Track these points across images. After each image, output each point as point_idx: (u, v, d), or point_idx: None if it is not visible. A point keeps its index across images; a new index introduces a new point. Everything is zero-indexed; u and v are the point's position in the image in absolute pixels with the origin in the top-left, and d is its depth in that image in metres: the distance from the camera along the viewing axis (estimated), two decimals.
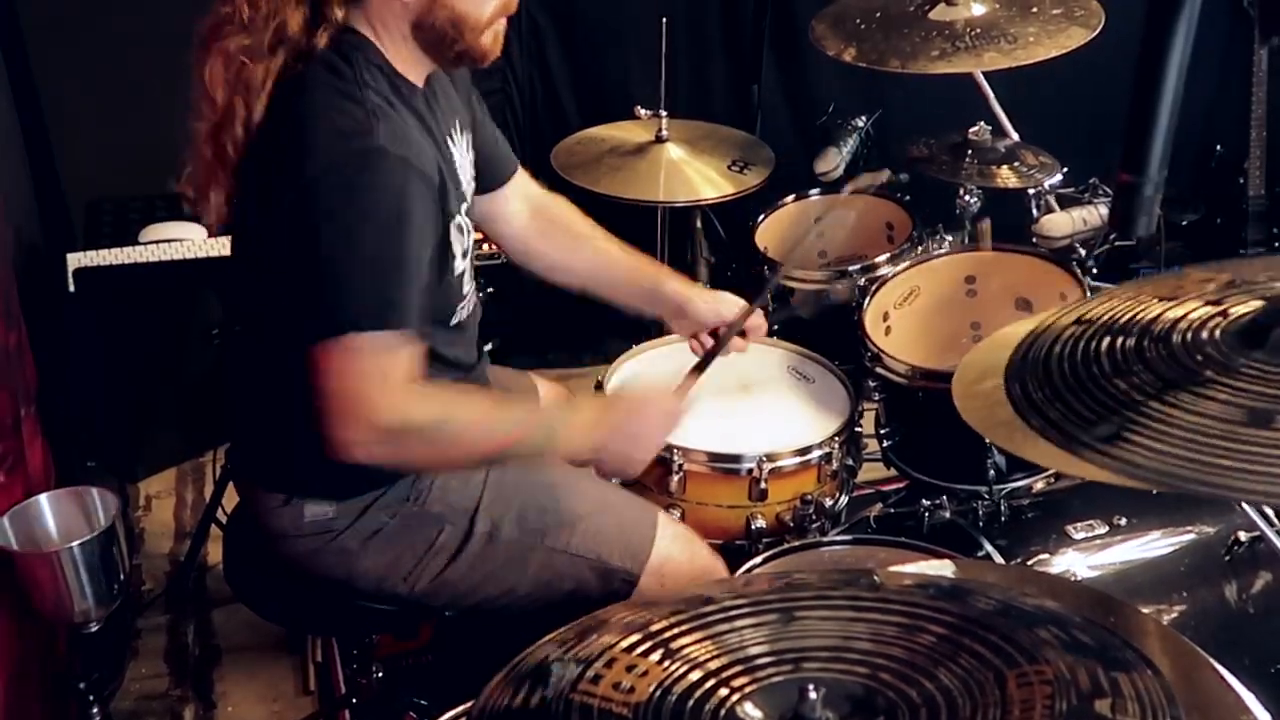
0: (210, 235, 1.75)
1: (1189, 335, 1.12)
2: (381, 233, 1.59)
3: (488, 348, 2.99)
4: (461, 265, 1.80)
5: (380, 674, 2.15)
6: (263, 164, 1.65)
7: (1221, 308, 1.16)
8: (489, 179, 2.03)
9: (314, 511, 1.80)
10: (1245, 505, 1.60)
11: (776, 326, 2.78)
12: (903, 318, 2.53)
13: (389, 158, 1.58)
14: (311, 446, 1.76)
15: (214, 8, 1.66)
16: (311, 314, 1.61)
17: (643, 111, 2.83)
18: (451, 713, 1.60)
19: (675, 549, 1.91)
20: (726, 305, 2.09)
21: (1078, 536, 2.05)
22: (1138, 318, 1.18)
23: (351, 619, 1.99)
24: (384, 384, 1.63)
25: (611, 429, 1.82)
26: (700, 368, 2.02)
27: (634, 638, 1.08)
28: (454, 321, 1.83)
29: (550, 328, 3.63)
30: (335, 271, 1.59)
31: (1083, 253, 2.56)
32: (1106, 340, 1.16)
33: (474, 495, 1.85)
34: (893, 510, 2.43)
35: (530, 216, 2.12)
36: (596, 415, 1.85)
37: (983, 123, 2.75)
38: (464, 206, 1.81)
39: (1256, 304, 1.15)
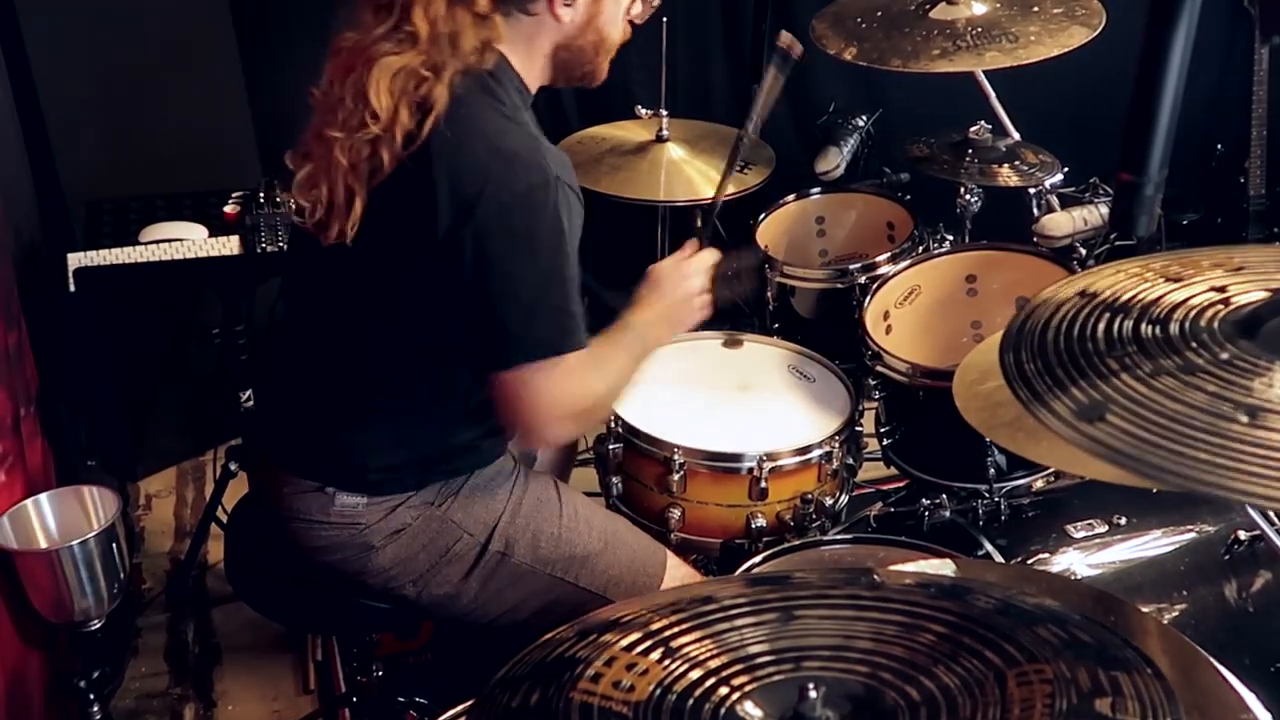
0: (346, 242, 1.70)
1: (1187, 322, 1.12)
2: (566, 257, 1.67)
3: None
4: None
5: (380, 673, 2.15)
6: (417, 182, 1.64)
7: (1225, 295, 1.15)
8: None
9: (345, 502, 1.81)
10: (1243, 503, 1.59)
11: (777, 326, 2.79)
12: (903, 317, 2.53)
13: (561, 186, 1.65)
14: (360, 446, 1.81)
15: (370, 25, 1.66)
16: (508, 342, 1.67)
17: (643, 111, 2.83)
18: (451, 712, 1.60)
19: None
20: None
21: (1078, 535, 2.05)
22: (1140, 297, 1.18)
23: (352, 618, 1.99)
24: (580, 385, 1.73)
25: (671, 308, 1.95)
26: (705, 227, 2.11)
27: (634, 636, 1.08)
28: None
29: None
30: (532, 304, 1.65)
31: (1083, 252, 2.56)
32: (1106, 318, 1.15)
33: (495, 511, 1.87)
34: (893, 509, 2.43)
35: None
36: (656, 307, 1.94)
37: (983, 122, 2.75)
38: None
39: (1261, 294, 1.14)
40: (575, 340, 1.70)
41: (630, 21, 1.83)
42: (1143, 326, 1.13)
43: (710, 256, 2.01)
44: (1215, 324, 1.10)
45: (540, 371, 1.68)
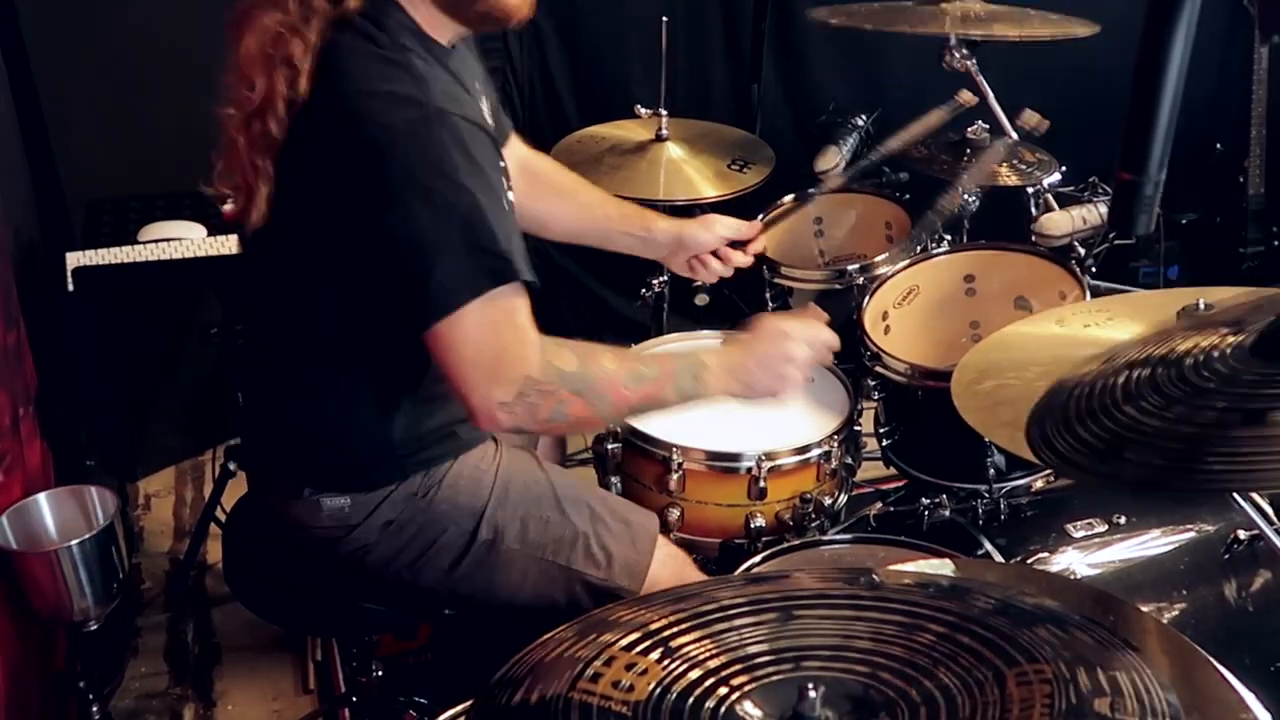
0: (249, 231, 1.68)
1: (1201, 357, 1.12)
2: (469, 192, 1.56)
3: None
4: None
5: (380, 673, 2.15)
6: (312, 144, 1.61)
7: (1240, 330, 1.16)
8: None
9: (330, 505, 1.80)
10: (1243, 502, 1.59)
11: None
12: (902, 317, 2.53)
13: (447, 117, 1.56)
14: (332, 440, 1.79)
15: None
16: (421, 293, 1.56)
17: (643, 110, 2.83)
18: (451, 712, 1.60)
19: (664, 573, 1.90)
20: (721, 224, 2.11)
21: (1077, 535, 2.05)
22: (1156, 352, 1.19)
23: (351, 620, 1.99)
24: (521, 335, 1.62)
25: (756, 362, 1.79)
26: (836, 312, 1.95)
27: (634, 636, 1.08)
28: None
29: (550, 328, 3.63)
30: (438, 244, 1.55)
31: (1082, 251, 2.56)
32: (1125, 374, 1.16)
33: (480, 498, 1.85)
34: (892, 509, 2.43)
35: (518, 178, 2.05)
36: (739, 352, 1.81)
37: (981, 122, 2.75)
38: (504, 166, 1.77)
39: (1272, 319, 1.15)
40: (498, 276, 1.57)
41: None
42: (1158, 370, 1.14)
43: (831, 335, 1.86)
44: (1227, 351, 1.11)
45: (463, 319, 1.56)
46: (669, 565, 1.94)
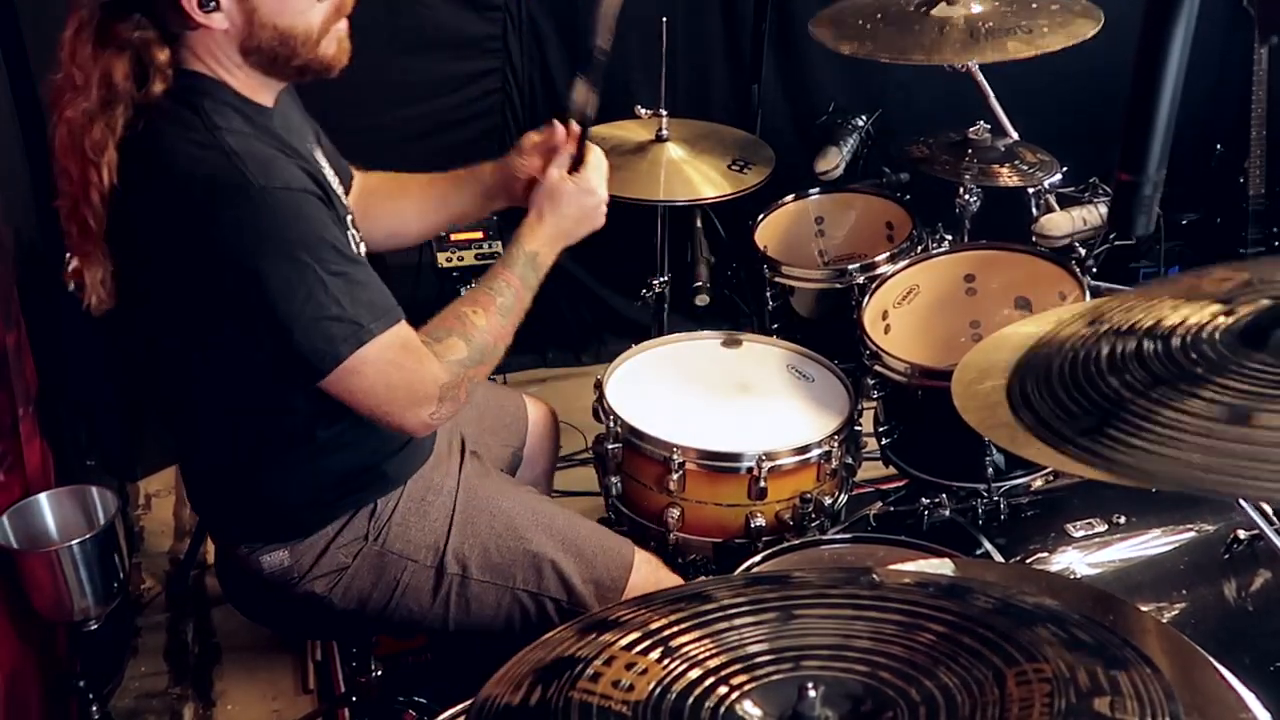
0: (98, 313, 1.67)
1: (1189, 336, 1.12)
2: (304, 265, 1.55)
3: None
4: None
5: (380, 673, 2.15)
6: (135, 229, 1.60)
7: (1229, 307, 1.15)
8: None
9: (270, 560, 1.81)
10: (1243, 502, 1.59)
11: (777, 326, 2.79)
12: (902, 316, 2.53)
13: (269, 194, 1.54)
14: (249, 493, 1.79)
15: (53, 72, 1.59)
16: (303, 360, 1.58)
17: (643, 111, 2.83)
18: (451, 711, 1.60)
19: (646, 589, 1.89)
20: (528, 139, 2.02)
21: (1077, 535, 2.05)
22: (1142, 321, 1.18)
23: (340, 632, 2.00)
24: (416, 358, 1.66)
25: (573, 222, 1.87)
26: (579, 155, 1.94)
27: (633, 636, 1.08)
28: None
29: (550, 328, 3.64)
30: (292, 320, 1.55)
31: (1082, 252, 2.56)
32: (1109, 343, 1.16)
33: (436, 531, 1.85)
34: (892, 508, 2.43)
35: (357, 207, 2.04)
36: (553, 220, 1.86)
37: (982, 122, 2.76)
38: (349, 217, 1.78)
39: (1264, 304, 1.14)
40: (353, 341, 1.58)
41: None
42: (1144, 343, 1.13)
43: (601, 158, 1.91)
44: (1216, 335, 1.11)
45: (341, 376, 1.60)
46: (649, 581, 1.93)
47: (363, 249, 1.79)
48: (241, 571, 1.86)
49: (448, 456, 1.98)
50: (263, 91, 1.68)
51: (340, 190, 1.83)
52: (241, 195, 1.53)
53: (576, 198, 1.87)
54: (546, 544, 1.89)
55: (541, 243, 1.84)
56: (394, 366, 1.64)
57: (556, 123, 1.96)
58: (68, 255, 1.65)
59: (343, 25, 1.68)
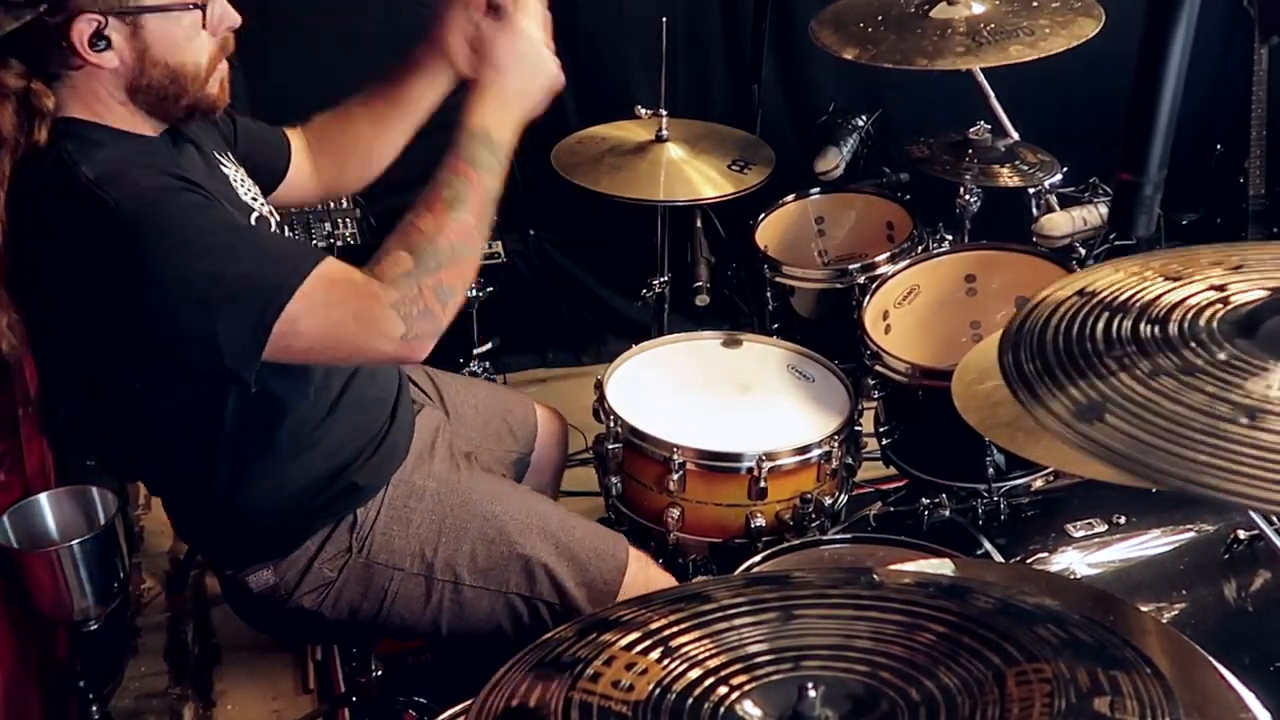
0: (8, 361, 1.66)
1: (1186, 321, 1.12)
2: (199, 257, 1.49)
3: (489, 346, 3.00)
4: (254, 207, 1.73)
5: (379, 673, 2.15)
6: (44, 276, 1.55)
7: (1224, 294, 1.15)
8: (276, 169, 1.94)
9: (255, 580, 1.80)
10: (1242, 506, 1.59)
11: (777, 326, 2.79)
12: (902, 316, 2.53)
13: (125, 203, 1.48)
14: (221, 515, 1.76)
15: None
16: (240, 344, 1.50)
17: (643, 111, 2.83)
18: (451, 712, 1.60)
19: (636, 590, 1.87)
20: None
21: (1077, 535, 2.05)
22: (1139, 297, 1.18)
23: (338, 639, 2.00)
24: (352, 286, 1.55)
25: (523, 83, 1.72)
26: None
27: (633, 636, 1.08)
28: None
29: (550, 328, 3.64)
30: (217, 304, 1.49)
31: (1082, 252, 2.56)
32: (1105, 318, 1.15)
33: (421, 538, 1.83)
34: (892, 509, 2.43)
35: (309, 156, 2.00)
36: (499, 86, 1.72)
37: (982, 122, 2.76)
38: (253, 216, 1.73)
39: (1260, 293, 1.14)
40: (276, 309, 1.48)
41: (226, 31, 1.64)
42: (1142, 326, 1.13)
43: (530, 10, 1.75)
44: (1214, 324, 1.11)
45: (287, 336, 1.50)
46: (637, 584, 1.91)
47: (272, 214, 1.73)
48: (236, 588, 1.85)
49: (429, 457, 1.93)
50: (144, 126, 1.62)
51: (254, 192, 1.78)
52: (103, 221, 1.47)
53: (511, 47, 1.71)
54: (539, 547, 1.86)
55: (488, 114, 1.68)
56: (327, 307, 1.53)
57: None
58: None
59: (224, 67, 1.64)
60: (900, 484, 2.66)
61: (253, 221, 1.68)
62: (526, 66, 1.72)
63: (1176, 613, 1.91)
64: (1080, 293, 1.21)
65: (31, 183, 1.52)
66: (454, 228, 1.59)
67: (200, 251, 1.49)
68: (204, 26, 1.58)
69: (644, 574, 1.94)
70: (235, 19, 1.63)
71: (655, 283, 2.93)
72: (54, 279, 1.54)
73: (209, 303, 1.48)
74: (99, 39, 1.51)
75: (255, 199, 1.78)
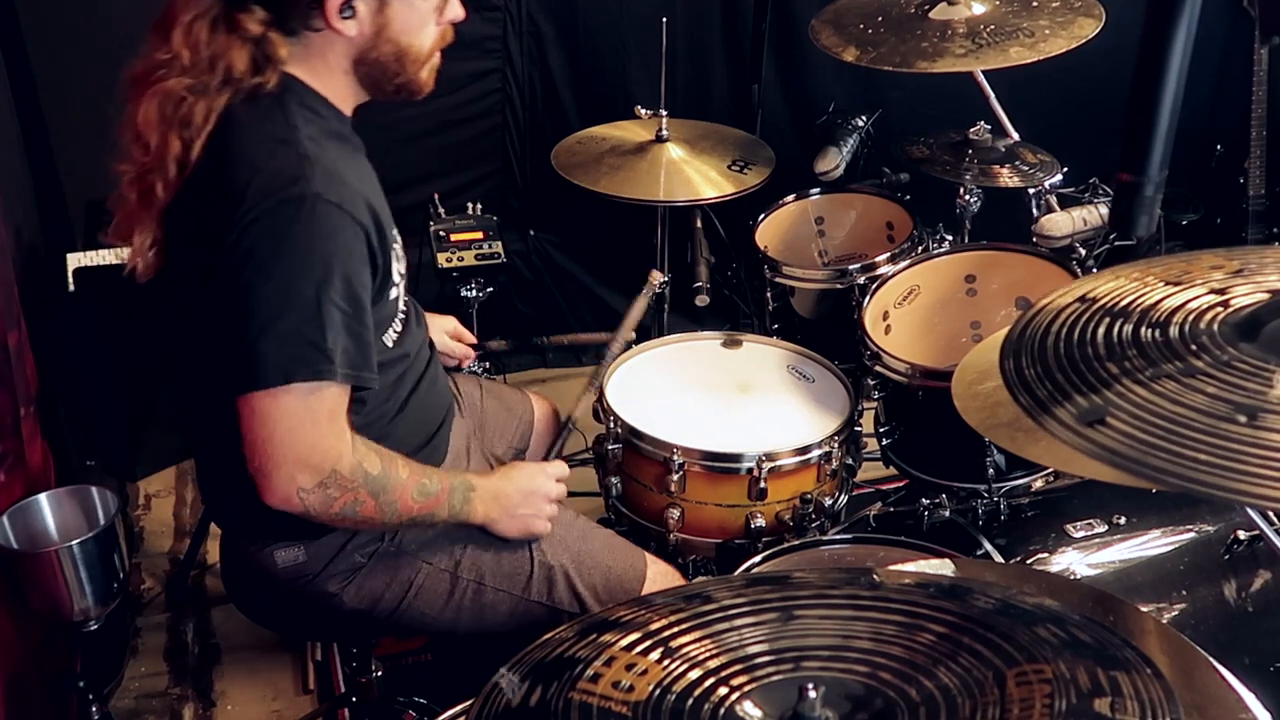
0: (141, 281, 1.71)
1: (1187, 325, 1.12)
2: (313, 283, 1.56)
3: (501, 346, 3.01)
4: (397, 291, 1.77)
5: (380, 673, 2.15)
6: (195, 206, 1.62)
7: (1225, 297, 1.15)
8: None
9: (284, 556, 1.80)
10: (1241, 504, 1.59)
11: (777, 326, 2.79)
12: (902, 317, 2.53)
13: (321, 203, 1.56)
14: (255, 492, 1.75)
15: (146, 51, 1.63)
16: (240, 363, 1.57)
17: (643, 111, 2.83)
18: (451, 712, 1.60)
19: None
20: (443, 322, 2.21)
21: (1077, 535, 2.05)
22: (1139, 302, 1.18)
23: (344, 633, 2.00)
24: (336, 430, 1.62)
25: (517, 489, 1.85)
26: (553, 447, 2.10)
27: (634, 636, 1.08)
28: (390, 343, 1.79)
29: (550, 327, 3.64)
30: (263, 320, 1.55)
31: (1083, 252, 2.56)
32: (1105, 323, 1.16)
33: (452, 537, 1.85)
34: (892, 509, 2.43)
35: None
36: (502, 480, 1.85)
37: (983, 122, 2.76)
38: (396, 247, 1.78)
39: (1261, 296, 1.14)
40: (313, 371, 1.57)
41: (451, 23, 1.76)
42: (1143, 330, 1.13)
43: (564, 469, 1.95)
44: (1215, 327, 1.11)
45: (266, 399, 1.57)
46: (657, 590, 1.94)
47: (403, 262, 1.80)
48: (250, 570, 1.85)
49: (465, 458, 1.98)
50: (346, 102, 1.72)
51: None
52: (294, 192, 1.55)
53: (527, 484, 1.86)
54: (561, 555, 1.90)
55: (484, 487, 1.81)
56: (311, 420, 1.60)
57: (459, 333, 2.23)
58: (114, 219, 1.70)
59: (439, 58, 1.75)
60: (900, 484, 2.66)
61: (399, 281, 1.76)
62: (528, 503, 1.86)
63: (1176, 613, 1.91)
64: (1082, 299, 1.21)
65: (249, 122, 1.60)
66: (406, 497, 1.70)
67: (324, 282, 1.56)
68: (438, 14, 1.71)
69: (663, 584, 1.96)
70: (461, 13, 1.75)
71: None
72: (210, 213, 1.59)
73: (283, 322, 1.55)
74: (347, 7, 1.61)
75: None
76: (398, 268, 1.76)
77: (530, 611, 1.87)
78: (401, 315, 1.81)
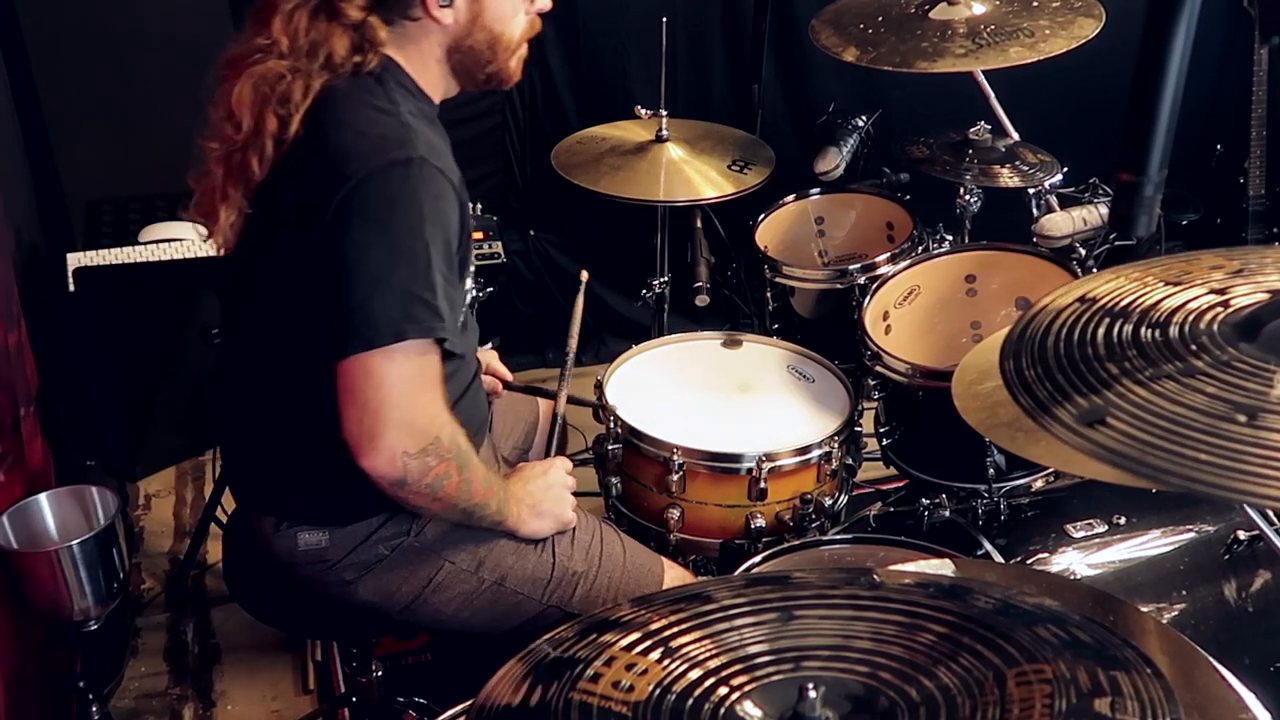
0: (221, 254, 1.75)
1: (1187, 325, 1.12)
2: (424, 243, 1.59)
3: (489, 345, 3.01)
4: (470, 281, 1.82)
5: (380, 673, 2.15)
6: (293, 179, 1.65)
7: (1224, 297, 1.15)
8: None
9: (307, 540, 1.80)
10: (1241, 502, 1.59)
11: (777, 326, 2.79)
12: (903, 317, 2.53)
13: (427, 167, 1.61)
14: (305, 471, 1.78)
15: (245, 37, 1.68)
16: (350, 323, 1.58)
17: (643, 111, 2.83)
18: (451, 712, 1.60)
19: None
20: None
21: (1077, 535, 2.05)
22: (1139, 302, 1.18)
23: (349, 629, 1.99)
24: (441, 397, 1.65)
25: (539, 487, 1.88)
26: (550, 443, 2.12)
27: (634, 636, 1.08)
28: (460, 323, 1.81)
29: (550, 328, 3.63)
30: (377, 279, 1.58)
31: (1083, 252, 2.56)
32: (1105, 323, 1.16)
33: (477, 536, 1.84)
34: (892, 509, 2.43)
35: None
36: (521, 484, 1.87)
37: (983, 122, 2.76)
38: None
39: (1261, 296, 1.14)
40: (425, 328, 1.60)
41: (539, 14, 1.80)
42: (1143, 331, 1.13)
43: (568, 462, 1.97)
44: (1215, 327, 1.11)
45: (381, 357, 1.58)
46: None
47: (473, 272, 1.85)
48: (260, 557, 1.84)
49: (492, 461, 1.99)
50: (436, 90, 1.76)
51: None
52: (403, 154, 1.59)
53: (543, 480, 1.90)
54: (581, 560, 1.90)
55: (515, 494, 1.84)
56: (421, 382, 1.62)
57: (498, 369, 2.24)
58: (196, 195, 1.73)
59: (525, 48, 1.79)
60: (900, 484, 2.66)
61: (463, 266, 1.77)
62: (549, 496, 1.89)
63: (1176, 613, 1.91)
64: (1082, 299, 1.21)
65: (352, 93, 1.65)
66: (479, 481, 1.73)
67: (432, 243, 1.60)
68: (528, 2, 1.76)
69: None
70: (549, 4, 1.80)
71: (655, 283, 2.94)
72: (314, 180, 1.61)
73: (393, 279, 1.57)
74: None
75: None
76: (471, 256, 1.79)
77: (546, 615, 1.87)
78: (465, 308, 1.82)
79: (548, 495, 1.88)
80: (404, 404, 1.61)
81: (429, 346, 1.62)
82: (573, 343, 2.27)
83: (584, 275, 2.40)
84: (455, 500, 1.71)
